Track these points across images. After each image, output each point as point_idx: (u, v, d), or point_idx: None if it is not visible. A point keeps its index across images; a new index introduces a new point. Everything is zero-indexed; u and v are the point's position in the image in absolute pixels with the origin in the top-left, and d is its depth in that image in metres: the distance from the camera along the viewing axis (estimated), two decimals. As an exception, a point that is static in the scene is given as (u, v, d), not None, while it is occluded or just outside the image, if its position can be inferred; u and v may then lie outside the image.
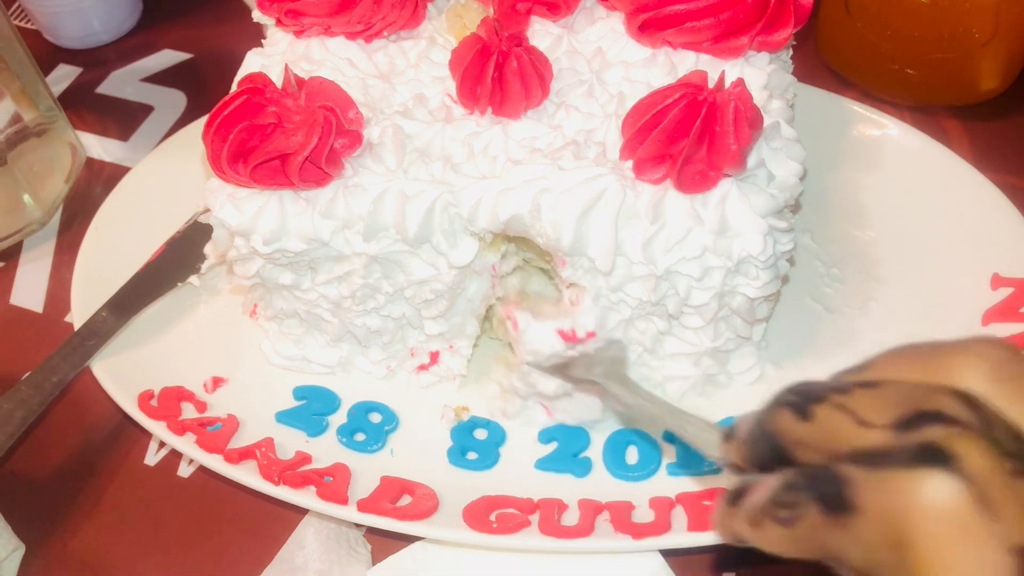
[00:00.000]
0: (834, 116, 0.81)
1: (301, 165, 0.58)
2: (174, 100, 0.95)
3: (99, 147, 0.91)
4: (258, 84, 0.60)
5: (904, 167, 0.78)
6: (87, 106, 0.95)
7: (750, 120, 0.56)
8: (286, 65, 0.61)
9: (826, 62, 0.90)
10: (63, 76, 0.98)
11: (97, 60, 1.00)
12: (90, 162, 0.90)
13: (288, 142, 0.58)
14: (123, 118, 0.94)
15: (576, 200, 0.57)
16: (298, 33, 0.69)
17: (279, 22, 0.69)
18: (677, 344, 0.64)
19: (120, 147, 0.91)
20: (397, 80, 0.67)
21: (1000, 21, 0.78)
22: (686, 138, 0.56)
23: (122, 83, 0.97)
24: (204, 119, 0.61)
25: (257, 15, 0.71)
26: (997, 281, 0.69)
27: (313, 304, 0.66)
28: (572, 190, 0.57)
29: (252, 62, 0.68)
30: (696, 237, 0.57)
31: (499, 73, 0.61)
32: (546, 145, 0.61)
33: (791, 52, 0.69)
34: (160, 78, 0.97)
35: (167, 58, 0.99)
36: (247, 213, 0.60)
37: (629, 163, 0.58)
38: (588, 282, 0.61)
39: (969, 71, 0.82)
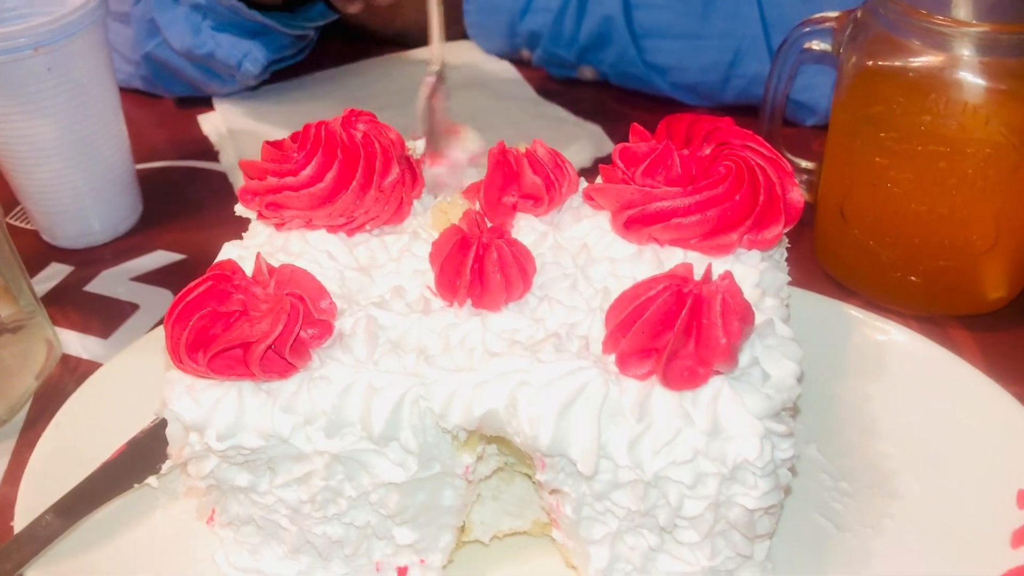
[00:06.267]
0: (835, 322, 0.78)
1: (263, 354, 0.55)
2: (161, 299, 0.93)
3: (78, 344, 0.89)
4: (226, 271, 0.58)
5: (913, 376, 0.73)
6: (72, 303, 0.94)
7: (740, 314, 0.53)
8: (258, 253, 0.59)
9: (826, 270, 0.89)
10: (53, 274, 0.97)
11: (91, 259, 0.99)
12: (66, 359, 0.87)
13: (252, 330, 0.55)
14: (106, 316, 0.92)
15: (556, 395, 0.53)
16: (279, 226, 0.67)
17: (260, 215, 0.68)
18: (671, 562, 0.57)
19: (99, 344, 0.89)
20: (376, 273, 0.64)
21: (1001, 229, 0.76)
22: (671, 331, 0.52)
23: (112, 282, 0.96)
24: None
25: (239, 208, 0.70)
26: (1024, 498, 0.63)
27: (270, 509, 0.60)
28: (551, 384, 0.53)
29: (228, 252, 0.66)
30: (686, 438, 0.52)
31: (479, 264, 0.59)
32: (526, 338, 0.58)
33: (785, 254, 0.67)
34: (150, 277, 0.96)
35: (159, 258, 0.99)
36: (203, 406, 0.56)
37: (612, 357, 0.55)
38: (570, 487, 0.55)
39: (974, 279, 0.80)
